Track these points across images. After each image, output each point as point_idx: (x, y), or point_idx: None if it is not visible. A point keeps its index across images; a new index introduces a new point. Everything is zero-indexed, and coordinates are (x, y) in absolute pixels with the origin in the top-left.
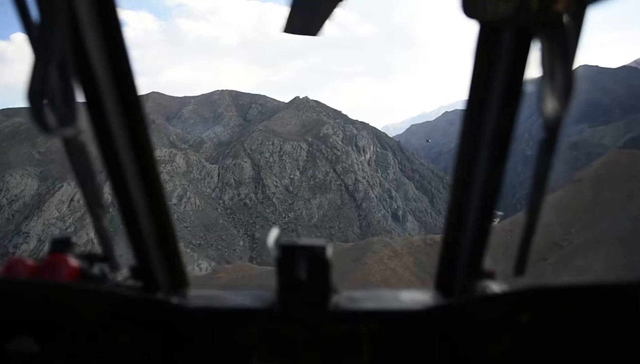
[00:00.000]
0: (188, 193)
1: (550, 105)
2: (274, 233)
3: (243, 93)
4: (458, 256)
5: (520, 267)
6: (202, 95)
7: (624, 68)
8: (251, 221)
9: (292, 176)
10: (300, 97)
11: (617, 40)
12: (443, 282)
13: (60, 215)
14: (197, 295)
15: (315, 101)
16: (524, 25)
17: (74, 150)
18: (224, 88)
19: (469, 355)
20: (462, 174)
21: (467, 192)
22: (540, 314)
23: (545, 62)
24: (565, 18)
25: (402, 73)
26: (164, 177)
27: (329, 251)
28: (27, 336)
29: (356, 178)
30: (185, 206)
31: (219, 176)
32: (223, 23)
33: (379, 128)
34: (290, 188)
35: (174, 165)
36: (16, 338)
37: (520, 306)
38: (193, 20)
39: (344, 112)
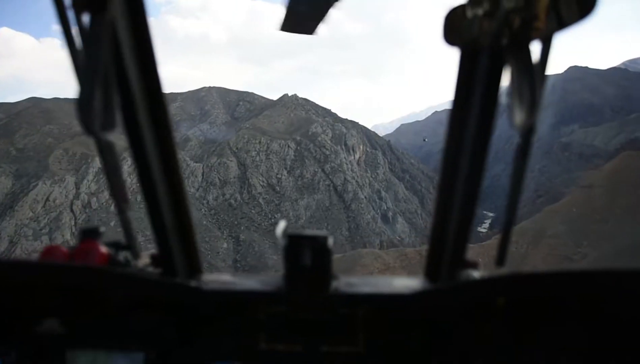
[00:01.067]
0: None
1: (519, 117)
2: (282, 224)
3: (231, 90)
4: (444, 248)
5: (500, 259)
6: (189, 91)
7: (613, 70)
8: (236, 222)
9: (279, 175)
10: (289, 94)
11: (605, 42)
12: (431, 270)
13: (34, 215)
14: (211, 280)
15: (304, 99)
16: (497, 51)
17: (106, 150)
18: (212, 86)
19: (453, 334)
20: (447, 179)
21: (451, 192)
22: (514, 297)
23: (514, 81)
24: (535, 43)
25: (392, 73)
26: None
27: (330, 241)
28: (54, 318)
29: (345, 178)
30: None
31: (203, 175)
32: (213, 20)
33: (369, 127)
34: (277, 188)
35: None
36: (44, 321)
37: (497, 291)
38: (182, 17)
39: (333, 111)
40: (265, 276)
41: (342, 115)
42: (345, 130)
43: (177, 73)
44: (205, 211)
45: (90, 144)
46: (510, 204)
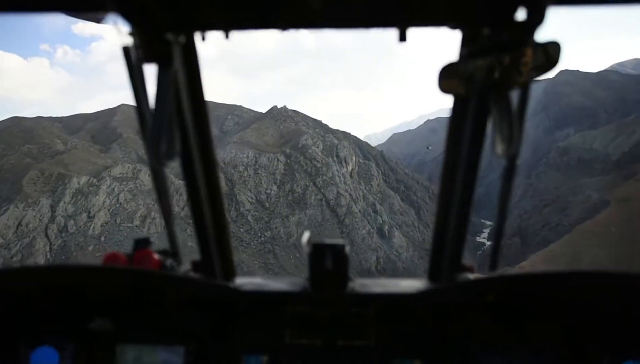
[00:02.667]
0: (153, 213)
1: (500, 149)
2: (306, 235)
3: (219, 104)
4: (443, 254)
5: (493, 264)
6: None
7: (604, 73)
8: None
9: (268, 191)
10: (278, 106)
11: (592, 47)
12: (433, 273)
13: (4, 242)
14: (245, 282)
15: (294, 110)
16: (483, 98)
17: (159, 176)
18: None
19: (451, 326)
20: (443, 200)
21: (449, 210)
22: (502, 294)
23: (496, 121)
24: (514, 89)
25: (383, 82)
26: (126, 195)
27: (347, 249)
28: (105, 316)
29: (338, 192)
30: (149, 228)
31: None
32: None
33: (361, 138)
34: (267, 204)
35: (137, 182)
36: (96, 319)
37: (489, 290)
38: None
39: (324, 122)
40: (292, 278)
41: (334, 126)
42: (337, 141)
43: None
44: (190, 231)
45: (68, 164)
46: (500, 219)
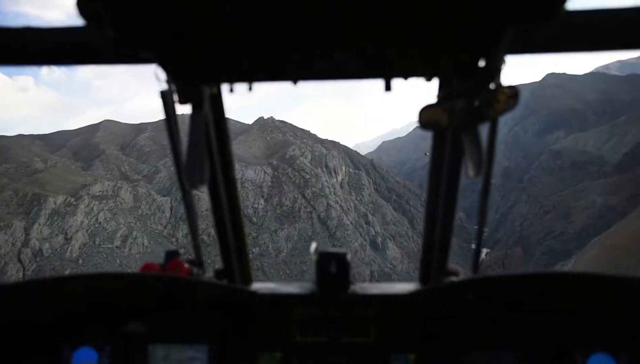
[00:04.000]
0: (135, 233)
1: (471, 172)
2: (314, 245)
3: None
4: (432, 261)
5: (475, 268)
6: (160, 120)
7: (591, 75)
8: (209, 261)
9: (255, 205)
10: (265, 117)
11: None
12: (423, 277)
13: None
14: (261, 287)
15: (281, 121)
16: (458, 131)
17: (189, 198)
18: (186, 113)
19: (441, 324)
20: (430, 216)
21: (434, 224)
22: (481, 295)
23: (468, 149)
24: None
25: (371, 90)
26: (105, 214)
27: (349, 256)
28: (138, 320)
29: (328, 204)
30: (130, 249)
31: (171, 210)
32: None
33: (350, 147)
34: (254, 219)
35: (118, 201)
36: (129, 322)
37: (469, 290)
38: None
39: (312, 132)
40: (301, 283)
41: (322, 135)
42: (326, 151)
43: (148, 105)
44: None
45: (45, 183)
46: (479, 228)
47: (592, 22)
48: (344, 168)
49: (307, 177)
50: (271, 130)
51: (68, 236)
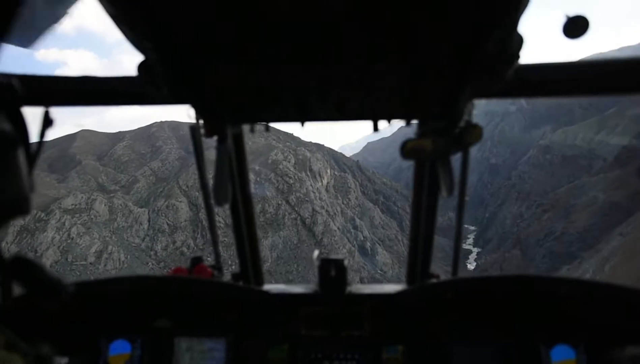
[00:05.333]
0: (110, 247)
1: (444, 192)
2: (316, 252)
3: (185, 123)
4: (416, 265)
5: (454, 270)
6: (139, 128)
7: None
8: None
9: None
10: None
11: (557, 44)
12: (410, 279)
13: None
14: (272, 288)
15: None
16: (436, 160)
17: (211, 211)
18: (164, 120)
19: (426, 320)
20: (415, 227)
21: (418, 235)
22: (457, 293)
23: (441, 175)
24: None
25: None
26: (78, 229)
27: (346, 262)
28: (165, 317)
29: (313, 209)
30: (105, 265)
31: (149, 222)
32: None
33: (336, 149)
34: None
35: (92, 214)
36: (158, 319)
37: (447, 289)
38: (137, 55)
39: (295, 135)
40: (306, 284)
41: (306, 138)
42: (310, 154)
43: (127, 114)
44: (153, 264)
45: None
46: (457, 238)
47: (539, 74)
48: (329, 171)
49: (291, 181)
50: (252, 134)
51: (38, 254)
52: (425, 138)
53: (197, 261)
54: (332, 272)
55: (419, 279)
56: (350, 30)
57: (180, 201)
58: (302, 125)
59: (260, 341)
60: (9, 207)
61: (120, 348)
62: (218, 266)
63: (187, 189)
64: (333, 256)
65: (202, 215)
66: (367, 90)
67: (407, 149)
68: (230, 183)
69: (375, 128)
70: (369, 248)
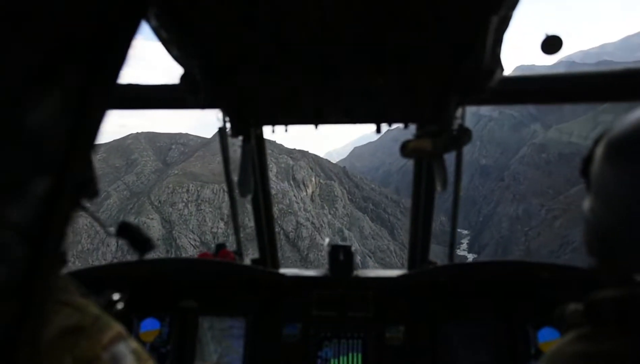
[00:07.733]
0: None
1: (439, 187)
2: (327, 240)
3: (162, 134)
4: (416, 252)
5: (450, 257)
6: (114, 141)
7: (560, 64)
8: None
9: (214, 229)
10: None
11: (531, 41)
12: (410, 265)
13: None
14: (287, 271)
15: None
16: (430, 159)
17: (235, 203)
18: (141, 131)
19: (423, 302)
20: (414, 221)
21: (417, 227)
22: (453, 278)
23: (436, 172)
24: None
25: None
26: None
27: (353, 248)
28: (190, 297)
29: (297, 222)
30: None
31: (117, 243)
32: (149, 67)
33: (321, 155)
34: (213, 246)
35: None
36: (184, 299)
37: (440, 274)
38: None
39: (278, 142)
40: (317, 269)
41: (290, 145)
42: (293, 162)
43: (112, 126)
44: None
45: None
46: (452, 236)
47: (521, 85)
48: (314, 179)
49: (273, 192)
50: (232, 142)
51: None
52: (425, 138)
53: (221, 247)
54: (341, 256)
55: (418, 265)
56: (357, 53)
57: (152, 218)
58: (316, 127)
59: (276, 320)
60: (83, 190)
61: (150, 325)
62: (239, 252)
63: (159, 205)
64: (342, 243)
65: (176, 232)
66: (371, 98)
67: (409, 149)
68: (252, 178)
69: (378, 130)
70: (359, 263)
